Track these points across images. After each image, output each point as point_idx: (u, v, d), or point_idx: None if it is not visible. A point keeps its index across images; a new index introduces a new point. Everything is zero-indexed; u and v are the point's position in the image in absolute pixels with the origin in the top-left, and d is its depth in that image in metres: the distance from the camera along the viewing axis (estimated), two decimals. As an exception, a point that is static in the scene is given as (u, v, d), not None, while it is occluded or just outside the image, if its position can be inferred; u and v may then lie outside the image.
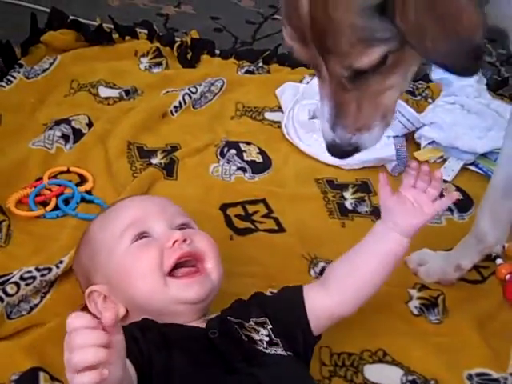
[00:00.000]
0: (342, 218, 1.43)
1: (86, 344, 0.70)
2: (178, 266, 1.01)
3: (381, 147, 1.58)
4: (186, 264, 1.02)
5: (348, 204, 1.47)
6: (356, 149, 0.90)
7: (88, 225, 1.15)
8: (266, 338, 0.96)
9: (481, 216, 1.22)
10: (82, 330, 0.71)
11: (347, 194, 1.49)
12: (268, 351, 0.95)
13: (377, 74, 0.84)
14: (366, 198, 1.49)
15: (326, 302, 1.02)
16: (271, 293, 1.15)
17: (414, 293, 1.25)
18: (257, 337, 0.96)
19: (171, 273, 1.01)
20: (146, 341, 0.91)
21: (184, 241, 1.02)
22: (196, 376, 0.89)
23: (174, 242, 1.01)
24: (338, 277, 1.03)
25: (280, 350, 0.95)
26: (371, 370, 1.11)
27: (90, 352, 0.70)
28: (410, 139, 1.64)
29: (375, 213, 1.45)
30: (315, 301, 1.02)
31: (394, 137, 1.60)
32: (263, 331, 0.97)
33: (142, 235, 1.04)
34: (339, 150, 0.91)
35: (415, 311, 1.22)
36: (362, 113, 0.87)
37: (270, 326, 0.98)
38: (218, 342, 0.93)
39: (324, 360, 1.12)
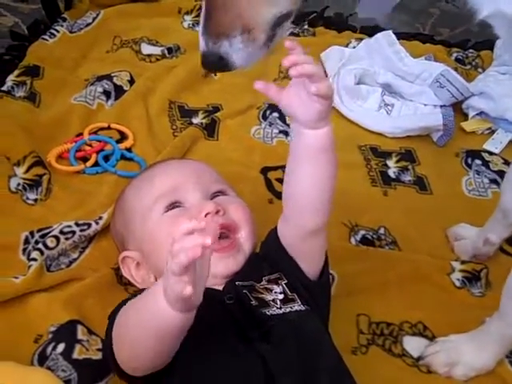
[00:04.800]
0: (384, 186, 1.40)
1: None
2: None
3: (427, 116, 1.55)
4: (219, 235, 0.98)
5: (391, 172, 1.44)
6: (221, 59, 0.83)
7: (124, 187, 1.14)
8: (281, 296, 0.93)
9: (503, 192, 1.19)
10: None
11: (390, 163, 1.46)
12: (282, 311, 0.91)
13: None
14: (410, 167, 1.45)
15: (287, 229, 0.97)
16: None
17: (457, 265, 1.22)
18: (269, 297, 0.93)
19: None
20: None
21: (217, 212, 0.99)
22: (209, 344, 0.86)
23: (207, 215, 0.98)
24: (285, 199, 0.97)
25: (297, 306, 0.93)
26: (411, 342, 1.10)
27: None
28: (457, 109, 1.59)
29: (418, 183, 1.42)
30: (283, 233, 0.98)
31: (441, 106, 1.56)
32: (277, 288, 0.94)
33: (175, 205, 1.01)
34: (207, 60, 0.84)
35: (457, 283, 1.20)
36: (223, 17, 0.81)
37: (285, 281, 0.95)
38: (233, 309, 0.91)
39: (362, 328, 1.11)
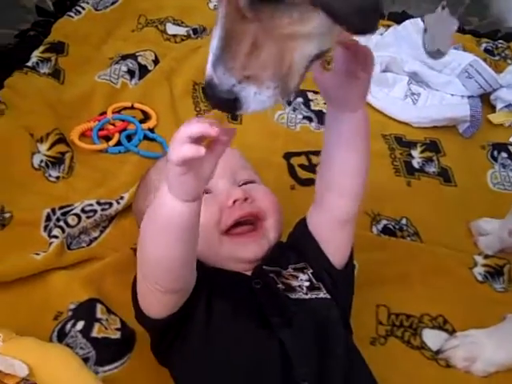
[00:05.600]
0: (408, 176, 1.39)
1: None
2: (236, 224, 0.97)
3: (454, 106, 1.52)
4: (245, 222, 0.98)
5: (415, 163, 1.42)
6: (235, 100, 0.68)
7: (149, 167, 1.12)
8: (307, 283, 0.93)
9: None
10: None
11: (415, 153, 1.44)
12: (308, 296, 0.91)
13: (284, 6, 0.64)
14: (435, 158, 1.44)
15: (318, 217, 0.96)
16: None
17: (480, 259, 1.21)
18: (295, 283, 0.92)
19: (228, 231, 0.97)
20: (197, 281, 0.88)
21: (245, 199, 0.98)
22: (232, 326, 0.87)
23: (235, 201, 0.97)
24: (319, 186, 0.95)
25: (322, 294, 0.92)
26: (430, 335, 1.08)
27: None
28: (485, 100, 1.57)
29: (443, 174, 1.40)
30: (314, 222, 0.96)
31: (468, 97, 1.54)
32: (303, 276, 0.94)
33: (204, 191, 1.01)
34: (215, 95, 0.69)
35: (479, 278, 1.18)
36: (257, 56, 0.67)
37: (311, 271, 0.95)
38: (259, 293, 0.90)
39: (381, 319, 1.10)
